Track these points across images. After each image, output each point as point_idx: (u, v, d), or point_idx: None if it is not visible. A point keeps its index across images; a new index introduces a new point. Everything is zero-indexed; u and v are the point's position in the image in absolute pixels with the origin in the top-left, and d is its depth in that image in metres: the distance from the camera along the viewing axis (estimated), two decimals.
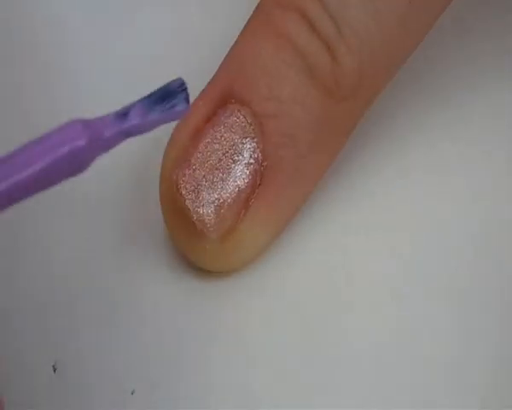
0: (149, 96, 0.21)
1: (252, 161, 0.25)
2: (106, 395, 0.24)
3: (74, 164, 0.20)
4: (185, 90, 0.21)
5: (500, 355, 0.25)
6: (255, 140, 0.25)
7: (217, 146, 0.25)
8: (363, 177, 0.28)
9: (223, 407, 0.24)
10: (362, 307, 0.26)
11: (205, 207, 0.25)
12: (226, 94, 0.25)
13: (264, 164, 0.25)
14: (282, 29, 0.25)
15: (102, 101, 0.29)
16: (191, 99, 0.23)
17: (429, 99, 0.29)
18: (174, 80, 0.22)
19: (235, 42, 0.26)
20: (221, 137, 0.25)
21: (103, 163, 0.26)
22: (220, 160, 0.25)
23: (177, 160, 0.25)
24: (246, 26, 0.26)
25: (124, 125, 0.20)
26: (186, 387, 0.25)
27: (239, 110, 0.25)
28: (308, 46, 0.24)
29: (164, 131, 0.25)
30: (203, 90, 0.26)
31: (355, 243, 0.27)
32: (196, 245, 0.25)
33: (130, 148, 0.28)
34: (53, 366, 0.25)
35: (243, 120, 0.25)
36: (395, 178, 0.28)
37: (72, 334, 0.25)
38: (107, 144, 0.20)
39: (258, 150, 0.25)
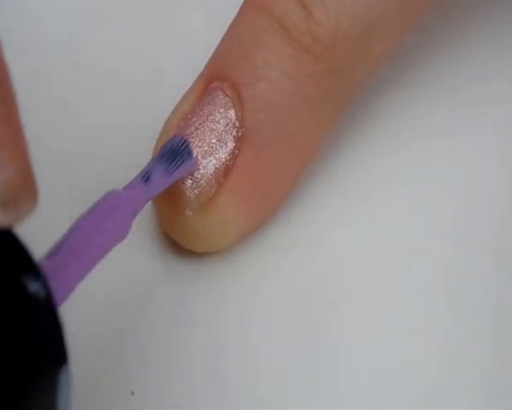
0: (161, 156, 0.24)
1: (228, 128, 0.25)
2: (106, 395, 0.24)
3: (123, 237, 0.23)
4: (188, 145, 0.25)
5: (501, 355, 0.25)
6: (232, 110, 0.25)
7: (194, 119, 0.25)
8: (361, 173, 0.28)
9: (223, 407, 0.24)
10: (356, 298, 0.26)
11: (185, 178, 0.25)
12: (211, 76, 0.25)
13: (242, 130, 0.25)
14: (260, 2, 0.25)
15: (102, 100, 0.29)
16: None
17: (427, 94, 0.29)
18: (174, 138, 0.25)
19: None
20: (200, 111, 0.25)
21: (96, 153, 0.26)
22: (197, 129, 0.25)
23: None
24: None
25: (149, 189, 0.24)
26: (186, 387, 0.25)
27: (219, 86, 0.25)
28: (284, 8, 0.24)
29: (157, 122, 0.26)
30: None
31: (348, 234, 0.27)
32: (179, 218, 0.25)
33: (125, 136, 0.28)
34: None
35: (222, 94, 0.25)
36: (393, 174, 0.28)
37: (72, 334, 0.25)
38: (139, 210, 0.23)
39: (235, 118, 0.25)
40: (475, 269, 0.26)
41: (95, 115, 0.29)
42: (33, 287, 0.18)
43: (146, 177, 0.24)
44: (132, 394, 0.24)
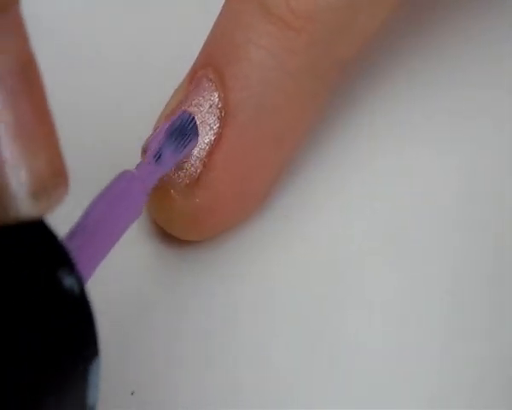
0: (171, 133, 0.24)
1: (211, 109, 0.25)
2: (106, 395, 0.24)
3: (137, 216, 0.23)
4: (195, 123, 0.25)
5: (502, 355, 0.25)
6: (216, 92, 0.25)
7: (181, 105, 0.25)
8: (360, 170, 0.28)
9: (223, 407, 0.24)
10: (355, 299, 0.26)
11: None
12: (201, 63, 0.26)
13: (224, 109, 0.25)
14: None
15: (102, 100, 0.29)
16: None
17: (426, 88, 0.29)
18: (183, 114, 0.25)
19: None
20: (187, 98, 0.25)
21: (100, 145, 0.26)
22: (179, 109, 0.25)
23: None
24: None
25: (161, 167, 0.24)
26: (186, 387, 0.25)
27: (204, 73, 0.25)
28: None
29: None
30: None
31: (345, 231, 0.27)
32: (165, 201, 0.25)
33: (125, 133, 0.28)
34: None
35: (205, 79, 0.25)
36: (393, 170, 0.28)
37: None
38: (151, 188, 0.24)
39: (217, 99, 0.25)
40: (477, 267, 0.26)
41: (93, 111, 0.29)
42: (68, 281, 0.18)
43: (157, 156, 0.24)
44: (132, 394, 0.24)
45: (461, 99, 0.29)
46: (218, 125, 0.25)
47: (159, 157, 0.24)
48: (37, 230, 0.18)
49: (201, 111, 0.25)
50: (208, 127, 0.25)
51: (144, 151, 0.25)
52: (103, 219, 0.21)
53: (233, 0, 0.25)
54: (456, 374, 0.25)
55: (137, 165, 0.24)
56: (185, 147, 0.24)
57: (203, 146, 0.25)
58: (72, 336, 0.18)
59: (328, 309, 0.25)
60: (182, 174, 0.25)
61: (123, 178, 0.23)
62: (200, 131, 0.25)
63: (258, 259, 0.26)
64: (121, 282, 0.26)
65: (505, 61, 0.29)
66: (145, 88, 0.29)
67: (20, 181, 0.18)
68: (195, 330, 0.25)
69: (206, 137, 0.25)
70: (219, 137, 0.25)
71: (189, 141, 0.25)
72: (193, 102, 0.25)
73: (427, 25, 0.30)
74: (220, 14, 0.26)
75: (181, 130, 0.25)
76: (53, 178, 0.18)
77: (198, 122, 0.25)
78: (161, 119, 0.26)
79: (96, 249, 0.21)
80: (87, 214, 0.21)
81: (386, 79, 0.29)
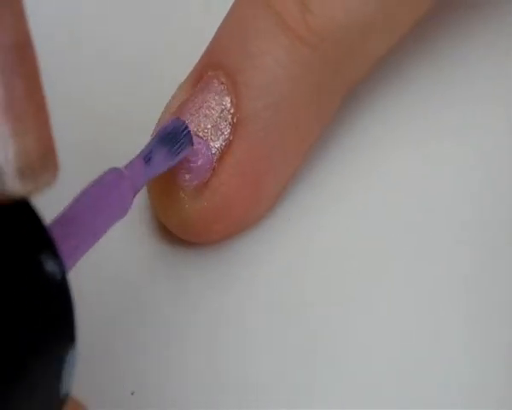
0: (163, 139, 0.24)
1: (223, 115, 0.25)
2: (106, 395, 0.24)
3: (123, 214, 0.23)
4: (189, 131, 0.24)
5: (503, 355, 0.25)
6: (228, 97, 0.25)
7: (189, 105, 0.25)
8: (362, 169, 0.28)
9: (224, 407, 0.24)
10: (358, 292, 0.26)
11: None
12: (206, 66, 0.25)
13: (237, 116, 0.25)
14: None
15: (101, 100, 0.29)
16: None
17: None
18: (176, 120, 0.25)
19: None
20: (195, 98, 0.25)
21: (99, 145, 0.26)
22: (192, 115, 0.25)
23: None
24: None
25: (150, 170, 0.24)
26: (186, 387, 0.25)
27: (214, 75, 0.25)
28: None
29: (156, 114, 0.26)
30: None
31: (348, 226, 0.27)
32: (173, 204, 0.25)
33: (119, 128, 0.28)
34: None
35: (217, 81, 0.25)
36: (396, 174, 0.28)
37: None
38: (140, 189, 0.23)
39: (230, 104, 0.25)
40: (480, 267, 0.26)
41: (94, 108, 0.29)
42: (50, 266, 0.18)
43: (148, 157, 0.24)
44: (132, 394, 0.24)
45: (464, 105, 0.29)
46: (229, 131, 0.25)
47: (149, 159, 0.24)
48: (24, 212, 0.18)
49: (213, 115, 0.25)
50: (219, 132, 0.25)
51: None
52: (87, 211, 0.21)
53: (244, 3, 0.25)
54: (461, 375, 0.25)
55: (127, 164, 0.24)
56: (177, 154, 0.24)
57: (214, 151, 0.25)
58: (49, 321, 0.18)
59: (332, 311, 0.25)
60: (191, 177, 0.25)
61: (110, 173, 0.22)
62: (210, 134, 0.25)
63: (262, 261, 0.26)
64: (124, 282, 0.26)
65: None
66: (144, 87, 0.29)
67: (6, 157, 0.17)
68: (196, 330, 0.25)
69: (216, 142, 0.25)
70: (230, 143, 0.25)
71: (182, 149, 0.24)
72: (204, 104, 0.25)
73: (429, 29, 0.30)
74: (229, 16, 0.26)
75: (174, 136, 0.24)
76: (42, 159, 0.18)
77: (209, 126, 0.25)
78: (164, 118, 0.26)
79: (78, 241, 0.20)
80: (71, 206, 0.21)
81: (387, 82, 0.29)
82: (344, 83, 0.26)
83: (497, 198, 0.27)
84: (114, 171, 0.23)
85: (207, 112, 0.25)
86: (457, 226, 0.27)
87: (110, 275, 0.26)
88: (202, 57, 0.26)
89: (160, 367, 0.25)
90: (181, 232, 0.26)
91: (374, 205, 0.27)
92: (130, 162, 0.24)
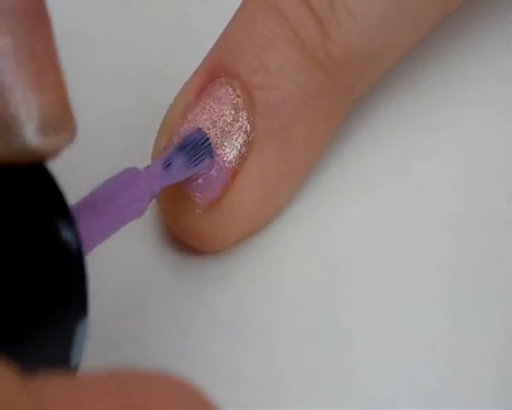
0: (183, 148, 0.24)
1: (240, 132, 0.25)
2: None
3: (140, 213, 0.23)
4: (210, 144, 0.25)
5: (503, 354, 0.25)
6: (244, 112, 0.25)
7: (205, 116, 0.25)
8: (362, 168, 0.28)
9: (224, 407, 0.24)
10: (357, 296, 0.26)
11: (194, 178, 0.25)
12: (217, 68, 0.25)
13: (252, 135, 0.25)
14: (274, 1, 0.25)
15: (102, 100, 0.29)
16: None
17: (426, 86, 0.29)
18: (198, 132, 0.25)
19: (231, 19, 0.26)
20: (210, 108, 0.25)
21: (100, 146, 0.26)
22: (209, 129, 0.25)
23: (169, 135, 0.25)
24: (241, 3, 0.26)
25: (169, 174, 0.24)
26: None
27: (228, 83, 0.25)
28: (298, 17, 0.25)
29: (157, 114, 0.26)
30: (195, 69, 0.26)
31: (348, 231, 0.27)
32: (184, 214, 0.25)
33: (127, 133, 0.28)
34: None
35: (232, 92, 0.25)
36: (395, 172, 0.28)
37: None
38: (158, 192, 0.23)
39: (246, 121, 0.25)
40: (478, 267, 0.26)
41: (94, 110, 0.29)
42: (66, 234, 0.18)
43: (167, 163, 0.24)
44: None
45: (464, 95, 0.29)
46: (244, 149, 0.25)
47: (168, 165, 0.24)
48: (42, 177, 0.18)
49: (230, 131, 0.25)
50: (235, 149, 0.25)
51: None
52: (107, 201, 0.21)
53: (258, 9, 0.25)
54: (462, 375, 0.25)
55: (146, 167, 0.24)
56: (196, 164, 0.24)
57: (228, 167, 0.25)
58: (62, 287, 0.18)
59: (333, 314, 0.26)
60: (205, 193, 0.25)
61: (129, 171, 0.23)
62: (224, 147, 0.25)
63: (266, 265, 0.26)
64: (124, 283, 0.26)
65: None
66: (144, 88, 0.29)
67: (28, 111, 0.18)
68: (196, 330, 0.25)
69: (232, 159, 0.25)
70: (244, 160, 0.25)
71: (202, 160, 0.25)
72: (220, 118, 0.25)
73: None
74: (240, 19, 0.26)
75: (194, 146, 0.24)
76: (62, 115, 0.18)
77: (226, 143, 0.25)
78: (175, 114, 0.26)
79: (96, 225, 0.20)
80: (91, 193, 0.21)
81: (388, 88, 0.29)
82: (353, 100, 0.26)
83: (496, 196, 0.27)
84: (133, 170, 0.23)
85: (224, 127, 0.25)
86: (454, 223, 0.27)
87: (110, 276, 0.26)
88: (210, 57, 0.26)
89: (160, 367, 0.25)
90: (190, 242, 0.26)
91: (375, 212, 0.27)
92: (149, 165, 0.24)
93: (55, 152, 0.18)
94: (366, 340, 0.25)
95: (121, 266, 0.26)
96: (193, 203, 0.25)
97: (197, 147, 0.25)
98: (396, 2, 0.25)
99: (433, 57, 0.29)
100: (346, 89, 0.26)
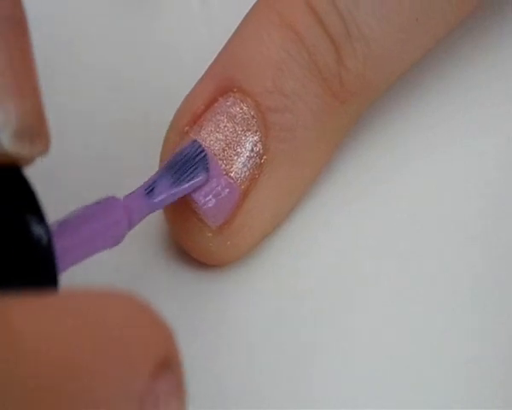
0: (171, 166, 0.24)
1: (253, 154, 0.25)
2: None
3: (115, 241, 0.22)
4: (204, 156, 0.24)
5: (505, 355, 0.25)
6: (258, 134, 0.25)
7: (220, 136, 0.25)
8: (363, 178, 0.28)
9: (223, 407, 0.24)
10: (362, 306, 0.26)
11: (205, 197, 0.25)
12: (228, 81, 0.25)
13: (264, 158, 0.25)
14: (288, 19, 0.25)
15: (102, 100, 0.29)
16: None
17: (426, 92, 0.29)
18: (192, 145, 0.24)
19: (238, 27, 0.26)
20: (224, 127, 0.25)
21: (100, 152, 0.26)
22: (224, 150, 0.25)
23: (177, 145, 0.25)
24: (249, 13, 0.26)
25: (151, 201, 0.23)
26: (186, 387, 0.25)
27: (242, 101, 0.25)
28: (315, 42, 0.25)
29: (163, 120, 0.26)
30: (204, 73, 0.26)
31: (353, 241, 0.27)
32: (194, 235, 0.25)
33: (128, 135, 0.28)
34: None
35: (246, 111, 0.25)
36: (396, 176, 0.28)
37: None
38: (137, 221, 0.23)
39: (259, 144, 0.25)
40: (480, 266, 0.26)
41: (96, 117, 0.29)
42: (37, 229, 0.18)
43: (149, 189, 0.23)
44: None
45: (469, 101, 0.29)
46: (256, 171, 0.25)
47: (151, 190, 0.23)
48: (16, 177, 0.19)
49: (243, 153, 0.25)
50: (247, 171, 0.25)
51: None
52: (80, 223, 0.21)
53: (271, 25, 0.25)
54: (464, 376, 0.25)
55: (127, 195, 0.23)
56: (188, 182, 0.24)
57: (240, 188, 0.25)
58: (32, 281, 0.18)
59: (335, 313, 0.25)
60: (217, 214, 0.25)
61: (107, 199, 0.22)
62: (237, 169, 0.25)
63: (270, 273, 0.26)
64: (125, 284, 0.26)
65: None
66: (144, 92, 0.29)
67: (6, 117, 0.18)
68: (197, 329, 0.25)
69: (244, 181, 0.25)
70: (255, 182, 0.25)
71: (193, 177, 0.24)
72: (235, 140, 0.25)
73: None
74: (251, 31, 0.25)
75: (184, 162, 0.24)
76: (37, 124, 0.19)
77: (240, 166, 0.25)
78: (182, 123, 0.25)
79: (70, 244, 0.20)
80: (67, 215, 0.21)
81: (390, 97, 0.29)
82: (359, 118, 0.27)
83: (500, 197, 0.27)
84: (111, 199, 0.22)
85: (239, 150, 0.25)
86: (461, 226, 0.27)
87: (111, 278, 0.26)
88: (218, 67, 0.26)
89: None
90: (198, 259, 0.26)
91: (377, 222, 0.27)
92: (131, 193, 0.23)
93: (30, 159, 0.19)
94: (374, 347, 0.25)
95: (126, 277, 0.26)
96: (203, 225, 0.25)
97: (188, 162, 0.24)
98: (410, 32, 0.25)
99: (433, 58, 0.29)
100: (355, 111, 0.26)
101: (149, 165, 0.26)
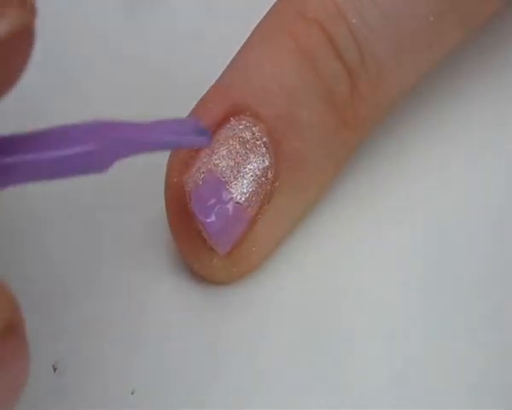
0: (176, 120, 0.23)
1: (264, 180, 0.25)
2: (106, 395, 0.24)
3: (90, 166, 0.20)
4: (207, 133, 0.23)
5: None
6: (270, 161, 0.25)
7: (231, 162, 0.25)
8: (364, 185, 0.28)
9: (223, 408, 0.24)
10: (363, 313, 0.26)
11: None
12: (239, 102, 0.25)
13: (276, 185, 0.25)
14: (304, 45, 0.24)
15: (101, 100, 0.29)
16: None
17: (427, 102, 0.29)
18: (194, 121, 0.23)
19: (248, 44, 0.25)
20: (236, 153, 0.25)
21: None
22: (235, 178, 0.25)
23: (184, 164, 0.25)
24: (260, 30, 0.25)
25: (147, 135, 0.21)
26: (186, 387, 0.25)
27: (254, 124, 0.25)
28: (331, 70, 0.24)
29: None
30: (212, 90, 0.25)
31: (356, 249, 0.27)
32: (201, 257, 0.25)
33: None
34: (53, 366, 0.25)
35: (258, 137, 0.25)
36: (396, 182, 0.28)
37: (73, 334, 0.25)
38: (125, 150, 0.21)
39: (270, 171, 0.25)
40: (481, 270, 0.26)
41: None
42: None
43: (153, 125, 0.22)
44: (132, 393, 0.24)
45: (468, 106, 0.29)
46: (266, 198, 0.25)
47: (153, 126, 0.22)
48: None
49: (254, 181, 0.25)
50: (258, 199, 0.25)
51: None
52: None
53: (289, 56, 0.25)
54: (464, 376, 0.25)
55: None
56: (186, 136, 0.23)
57: (250, 216, 0.25)
58: None
59: (338, 323, 0.26)
60: (226, 242, 0.25)
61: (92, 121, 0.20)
62: (249, 198, 0.25)
63: (273, 280, 0.26)
64: (125, 284, 0.26)
65: None
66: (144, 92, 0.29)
67: None
68: (196, 330, 0.25)
69: (253, 208, 0.25)
70: (264, 208, 0.25)
71: (195, 135, 0.23)
72: (246, 168, 0.25)
73: None
74: (267, 57, 0.25)
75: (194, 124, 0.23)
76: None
77: (251, 193, 0.25)
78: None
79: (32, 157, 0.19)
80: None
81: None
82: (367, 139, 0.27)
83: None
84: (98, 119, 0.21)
85: (252, 178, 0.25)
86: (463, 233, 0.27)
87: (111, 278, 0.26)
88: (229, 86, 0.25)
89: (160, 367, 0.25)
90: (203, 277, 0.26)
91: (380, 234, 0.27)
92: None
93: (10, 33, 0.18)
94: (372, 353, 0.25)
95: (111, 259, 0.26)
96: (211, 251, 0.25)
97: (195, 126, 0.23)
98: (422, 60, 0.25)
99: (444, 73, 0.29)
100: (364, 134, 0.26)
101: (151, 163, 0.26)
